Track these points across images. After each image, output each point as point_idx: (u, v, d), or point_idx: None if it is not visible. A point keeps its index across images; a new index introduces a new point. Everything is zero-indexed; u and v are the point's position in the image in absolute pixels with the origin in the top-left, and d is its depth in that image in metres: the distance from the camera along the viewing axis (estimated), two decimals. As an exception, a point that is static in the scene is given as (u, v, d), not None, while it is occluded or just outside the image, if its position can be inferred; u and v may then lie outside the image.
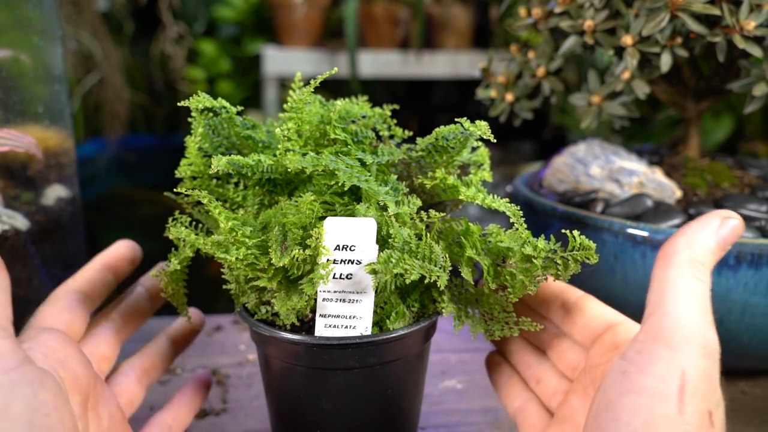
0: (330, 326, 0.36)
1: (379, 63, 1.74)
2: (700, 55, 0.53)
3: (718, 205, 0.51)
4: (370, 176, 0.36)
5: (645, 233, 0.47)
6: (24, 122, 0.47)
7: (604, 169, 0.56)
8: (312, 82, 0.37)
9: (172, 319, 0.45)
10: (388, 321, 0.36)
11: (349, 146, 0.38)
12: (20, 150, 0.47)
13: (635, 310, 0.50)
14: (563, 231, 0.36)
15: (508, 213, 0.36)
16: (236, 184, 0.42)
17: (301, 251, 0.33)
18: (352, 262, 0.35)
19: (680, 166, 0.58)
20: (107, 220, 1.70)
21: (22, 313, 0.46)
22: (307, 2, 1.71)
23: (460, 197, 0.37)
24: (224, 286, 0.39)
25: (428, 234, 0.36)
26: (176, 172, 0.41)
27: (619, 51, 0.52)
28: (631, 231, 0.48)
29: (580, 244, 0.35)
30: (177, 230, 0.37)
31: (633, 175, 0.55)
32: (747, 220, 0.49)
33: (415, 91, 2.24)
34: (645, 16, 0.48)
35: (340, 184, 0.36)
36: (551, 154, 0.64)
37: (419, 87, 2.22)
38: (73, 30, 1.76)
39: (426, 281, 0.34)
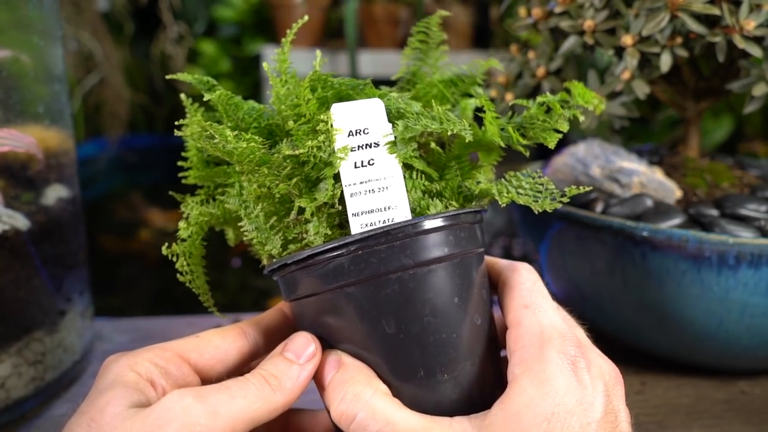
0: (366, 225, 0.32)
1: (379, 63, 1.74)
2: (700, 55, 0.53)
3: (718, 204, 0.51)
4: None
5: (645, 233, 0.47)
6: (24, 122, 0.47)
7: (604, 169, 0.56)
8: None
9: (201, 318, 0.41)
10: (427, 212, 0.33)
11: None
12: (20, 150, 0.47)
13: (635, 310, 0.50)
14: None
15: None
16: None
17: (314, 139, 0.32)
18: (370, 146, 0.33)
19: (680, 166, 0.58)
20: (107, 220, 1.70)
21: (23, 313, 0.46)
22: (307, 2, 1.71)
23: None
24: (248, 249, 0.38)
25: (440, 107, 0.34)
26: (178, 130, 0.38)
27: (619, 51, 0.52)
28: (631, 231, 0.48)
29: (579, 93, 0.35)
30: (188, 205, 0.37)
31: (633, 175, 0.55)
32: (747, 220, 0.49)
33: (415, 91, 2.24)
34: (645, 16, 0.48)
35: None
36: (551, 154, 0.64)
37: (419, 87, 2.21)
38: (73, 30, 1.76)
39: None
